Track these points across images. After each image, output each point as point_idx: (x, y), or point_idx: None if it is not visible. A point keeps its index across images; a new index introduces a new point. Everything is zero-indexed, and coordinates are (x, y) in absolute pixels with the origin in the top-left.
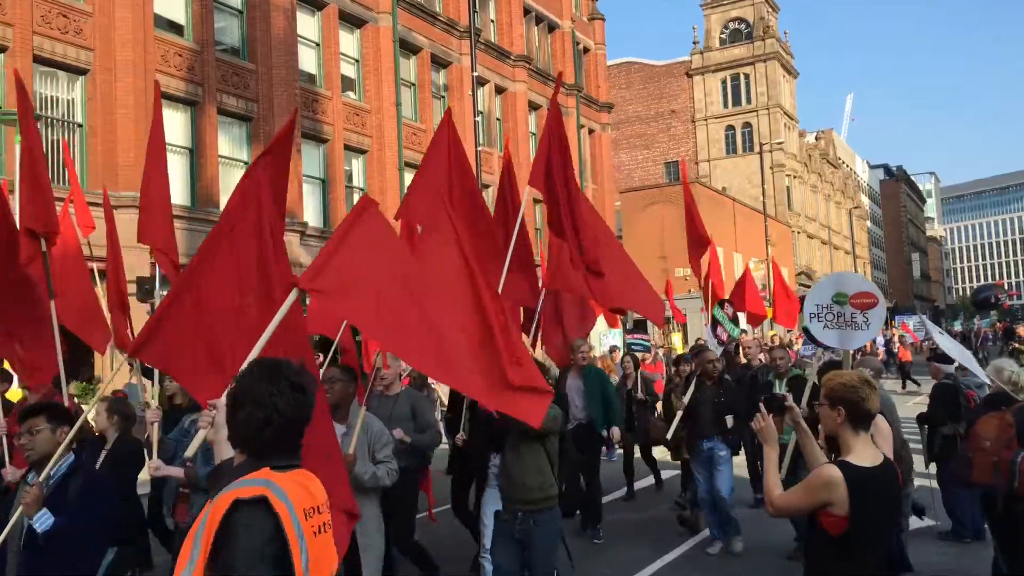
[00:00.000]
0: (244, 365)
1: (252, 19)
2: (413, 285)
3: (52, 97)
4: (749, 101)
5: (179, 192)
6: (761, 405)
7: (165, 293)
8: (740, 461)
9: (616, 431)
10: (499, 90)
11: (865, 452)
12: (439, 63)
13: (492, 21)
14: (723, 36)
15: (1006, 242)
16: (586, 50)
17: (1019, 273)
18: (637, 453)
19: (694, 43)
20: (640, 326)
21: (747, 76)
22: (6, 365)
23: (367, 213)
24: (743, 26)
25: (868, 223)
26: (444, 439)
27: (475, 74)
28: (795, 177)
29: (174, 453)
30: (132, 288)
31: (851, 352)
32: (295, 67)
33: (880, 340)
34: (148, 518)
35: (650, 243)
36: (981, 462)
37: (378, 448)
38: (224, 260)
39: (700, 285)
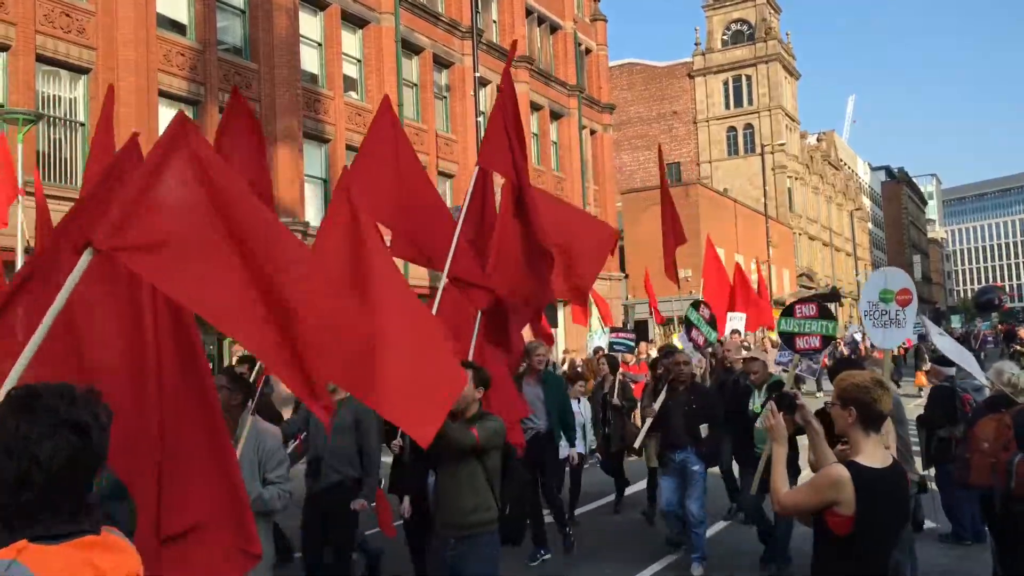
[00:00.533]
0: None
1: (254, 19)
2: (257, 243)
3: (54, 96)
4: (751, 102)
5: None
6: (772, 403)
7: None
8: (714, 470)
9: (575, 453)
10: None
11: (875, 453)
12: (441, 63)
13: (494, 22)
14: (725, 37)
15: (1007, 244)
16: (588, 51)
17: (1020, 276)
18: (633, 456)
19: (696, 44)
20: (640, 326)
21: (749, 77)
22: None
23: (184, 138)
24: (745, 27)
25: (869, 225)
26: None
27: (477, 75)
28: (796, 179)
29: None
30: None
31: (890, 351)
32: (297, 67)
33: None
34: None
35: (652, 244)
36: (979, 464)
37: (270, 467)
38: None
39: (676, 283)
